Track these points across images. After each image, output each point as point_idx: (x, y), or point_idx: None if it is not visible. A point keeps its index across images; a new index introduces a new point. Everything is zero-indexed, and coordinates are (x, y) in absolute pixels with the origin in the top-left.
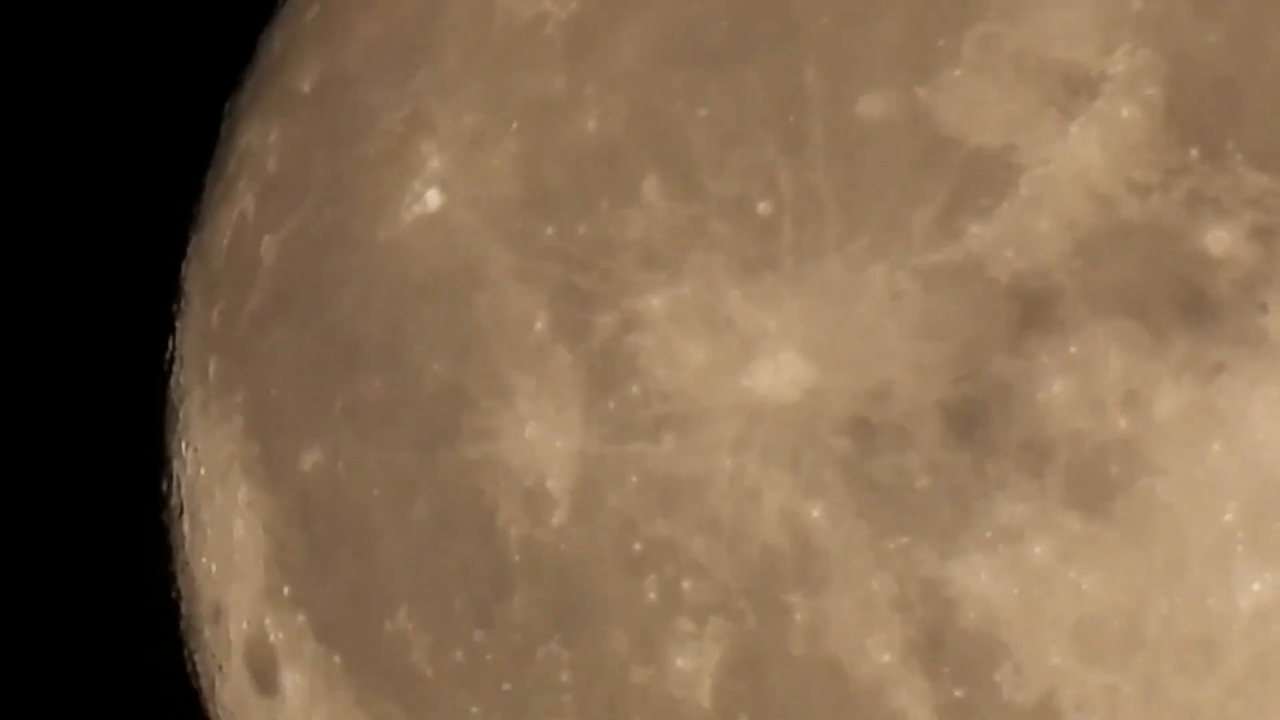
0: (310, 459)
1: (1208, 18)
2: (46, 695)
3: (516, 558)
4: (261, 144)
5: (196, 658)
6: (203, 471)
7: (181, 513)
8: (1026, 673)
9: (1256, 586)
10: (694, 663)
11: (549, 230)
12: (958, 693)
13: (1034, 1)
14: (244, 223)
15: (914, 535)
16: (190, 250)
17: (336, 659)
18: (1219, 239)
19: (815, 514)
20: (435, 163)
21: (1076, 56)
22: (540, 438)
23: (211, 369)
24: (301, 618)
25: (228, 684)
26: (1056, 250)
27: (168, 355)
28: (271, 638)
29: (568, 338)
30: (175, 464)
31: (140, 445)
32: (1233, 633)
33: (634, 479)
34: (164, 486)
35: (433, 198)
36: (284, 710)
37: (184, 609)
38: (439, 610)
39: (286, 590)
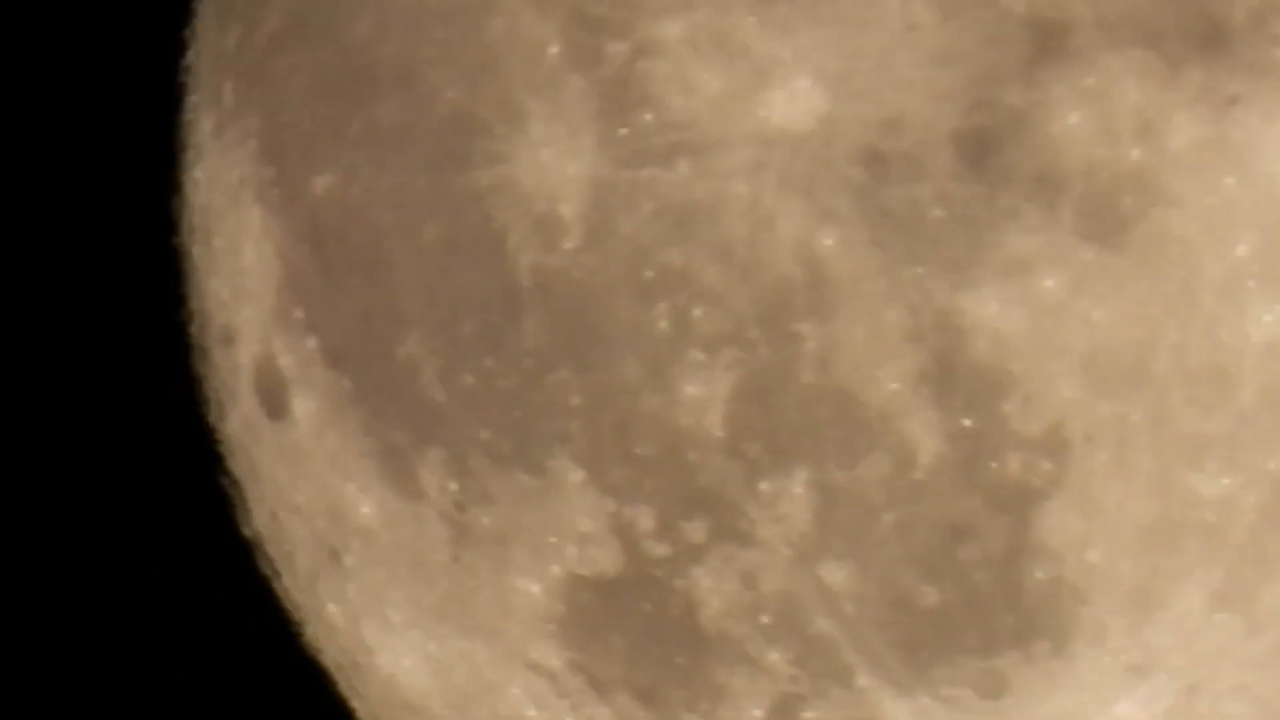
0: (323, 182)
1: None
2: (54, 430)
3: (527, 283)
4: None
5: (206, 383)
6: (216, 196)
7: (193, 236)
8: (1035, 402)
9: (1268, 318)
10: (705, 390)
11: None
12: (966, 421)
13: None
14: None
15: (926, 265)
16: None
17: (346, 383)
18: None
19: (829, 242)
20: None
21: None
22: (553, 163)
23: (226, 92)
24: (312, 342)
25: (237, 408)
26: None
27: (180, 79)
28: (281, 361)
29: (581, 64)
30: (189, 188)
31: (153, 170)
32: (1244, 364)
33: (647, 205)
34: (176, 210)
35: None
36: (293, 434)
37: (195, 336)
38: (449, 335)
39: (297, 314)
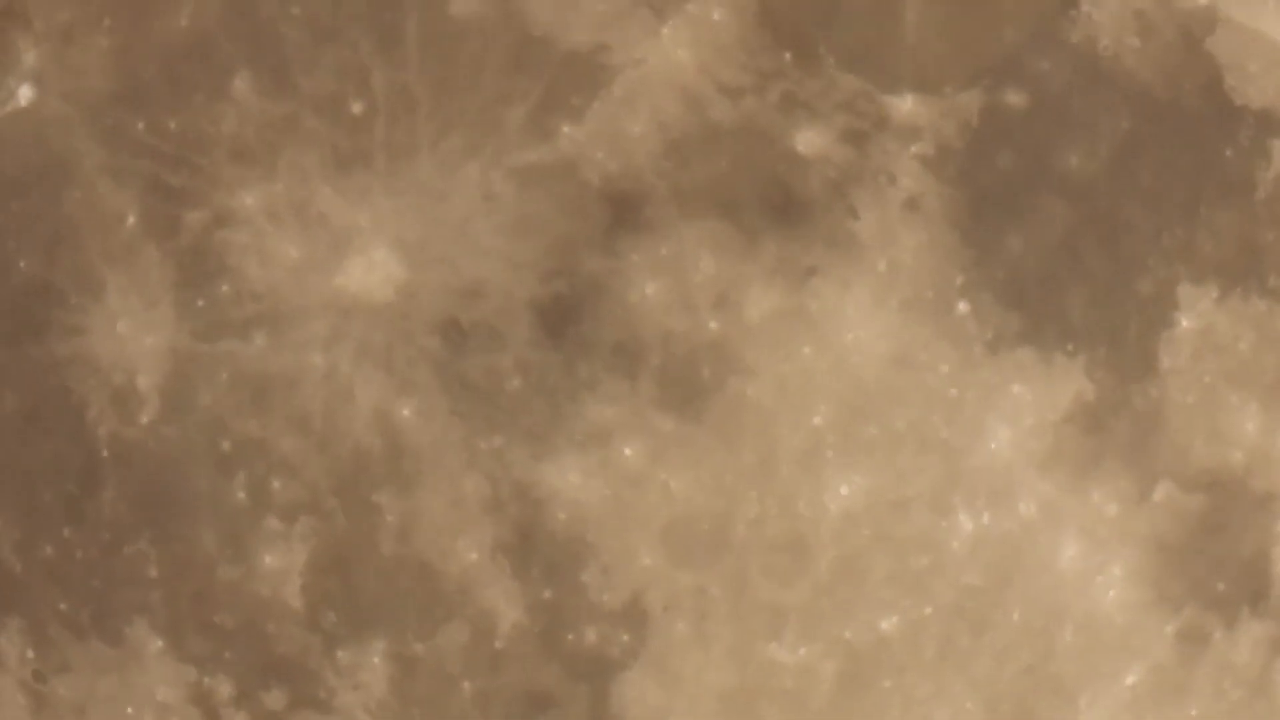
0: None
1: None
2: None
3: (106, 454)
4: None
5: None
6: None
7: None
8: (614, 573)
9: (845, 489)
10: (283, 561)
11: (140, 125)
12: (546, 593)
13: None
14: None
15: (506, 435)
16: None
17: None
18: (810, 141)
19: (406, 413)
20: (30, 58)
21: None
22: (130, 334)
23: None
24: None
25: None
26: (648, 151)
27: None
28: None
29: (158, 234)
30: None
31: None
32: (821, 535)
33: (224, 377)
34: None
35: (25, 93)
36: None
37: None
38: (27, 506)
39: None
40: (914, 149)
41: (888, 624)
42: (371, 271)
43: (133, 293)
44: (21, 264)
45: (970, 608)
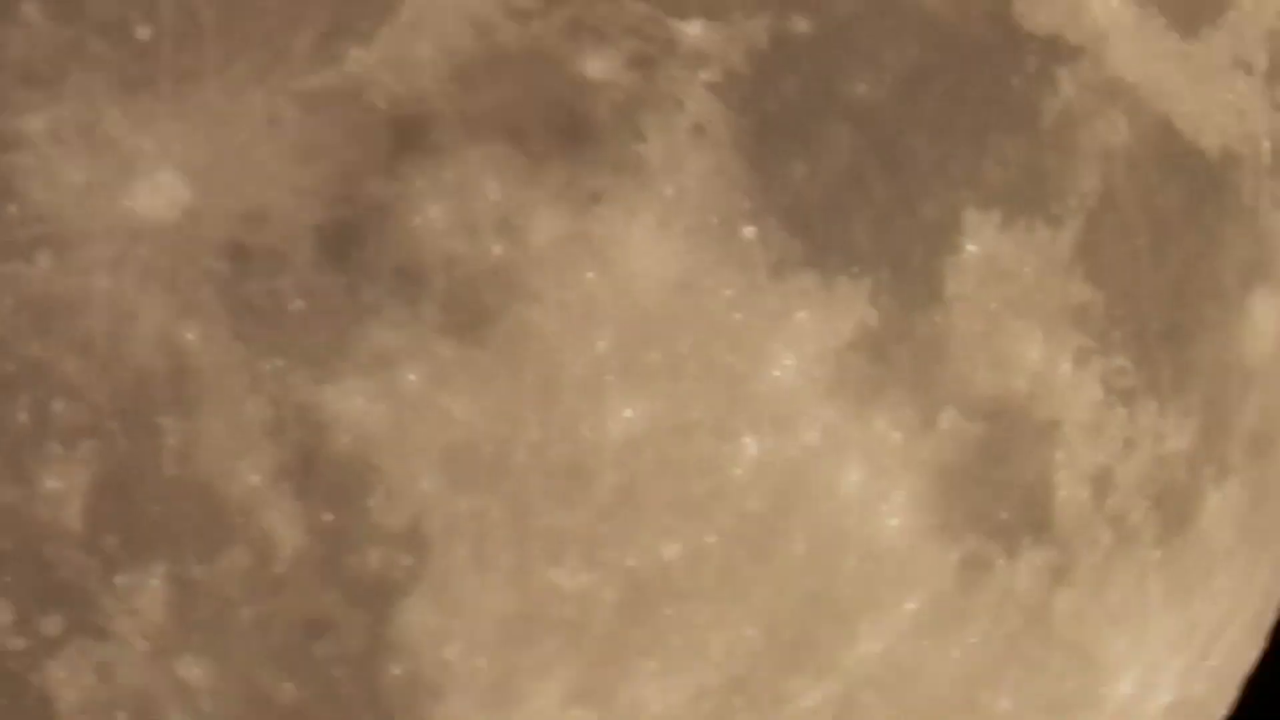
0: None
1: None
2: None
3: None
4: None
5: None
6: None
7: None
8: (396, 497)
9: (628, 414)
10: (63, 484)
11: None
12: (327, 516)
13: None
14: None
15: (289, 358)
16: None
17: None
18: (597, 66)
19: (191, 336)
20: None
21: None
22: None
23: None
24: None
25: None
26: (434, 76)
27: None
28: None
29: None
30: None
31: None
32: (603, 460)
33: (9, 299)
34: None
35: None
36: None
37: None
38: None
39: None
40: (702, 75)
41: (669, 550)
42: (157, 194)
43: None
44: None
45: (752, 534)
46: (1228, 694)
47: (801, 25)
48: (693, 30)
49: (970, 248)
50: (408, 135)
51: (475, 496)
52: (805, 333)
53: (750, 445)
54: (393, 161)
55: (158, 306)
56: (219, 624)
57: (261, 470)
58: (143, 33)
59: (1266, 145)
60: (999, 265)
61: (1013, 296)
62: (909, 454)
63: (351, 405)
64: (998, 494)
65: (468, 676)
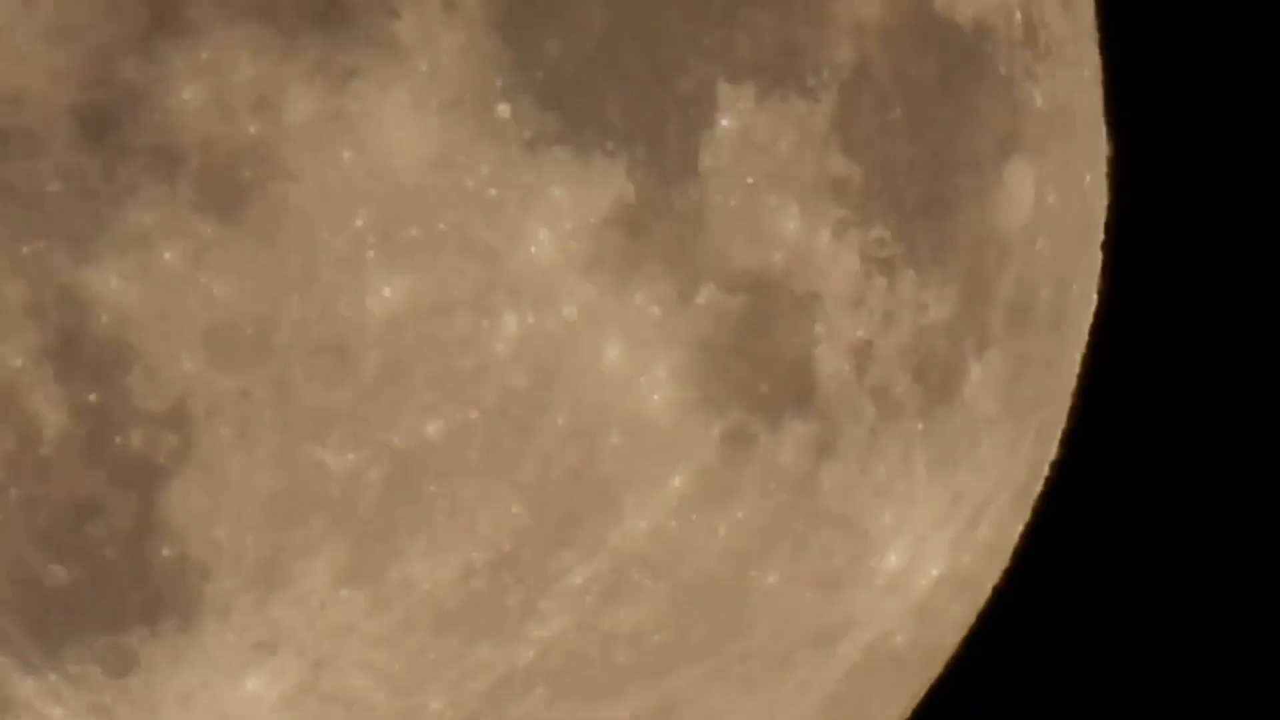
0: None
1: None
2: None
3: None
4: None
5: None
6: None
7: None
8: (158, 377)
9: (387, 291)
10: None
11: None
12: (90, 396)
13: None
14: None
15: (47, 239)
16: None
17: None
18: None
19: None
20: None
21: None
22: None
23: None
24: None
25: None
26: None
27: None
28: None
29: None
30: None
31: None
32: (364, 338)
33: None
34: None
35: None
36: None
37: None
38: None
39: None
40: None
41: (433, 428)
42: None
43: None
44: None
45: (515, 411)
46: (997, 565)
47: None
48: None
49: (724, 122)
50: (163, 15)
51: (238, 376)
52: (561, 209)
53: (510, 322)
54: (148, 42)
55: None
56: None
57: (24, 352)
58: None
59: (1018, 16)
60: (754, 139)
61: (769, 170)
62: (669, 328)
63: (110, 285)
64: (759, 367)
65: (235, 556)
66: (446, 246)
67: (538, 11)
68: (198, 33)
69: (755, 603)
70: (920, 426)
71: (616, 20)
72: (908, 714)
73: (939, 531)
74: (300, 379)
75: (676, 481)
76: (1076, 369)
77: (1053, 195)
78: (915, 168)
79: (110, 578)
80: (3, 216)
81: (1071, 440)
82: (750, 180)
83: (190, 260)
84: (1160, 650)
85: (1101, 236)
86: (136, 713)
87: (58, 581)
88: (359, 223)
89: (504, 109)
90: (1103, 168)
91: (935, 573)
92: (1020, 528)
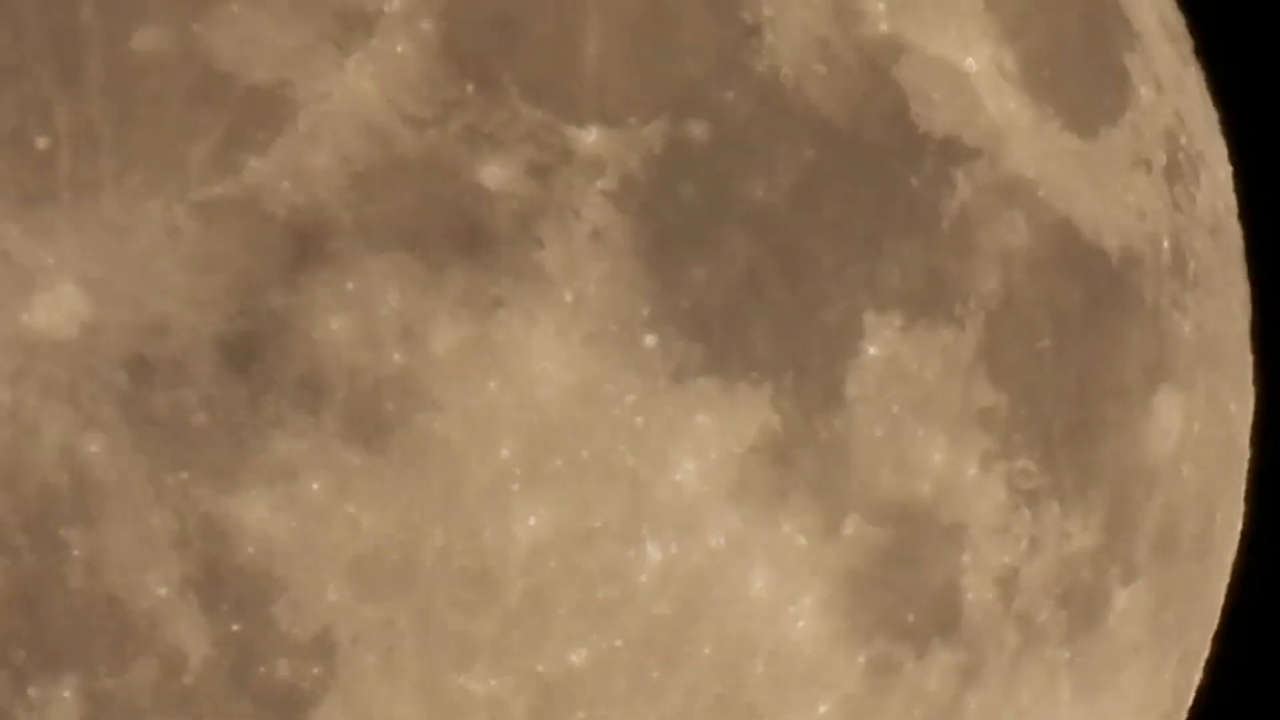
0: None
1: None
2: None
3: None
4: None
5: None
6: None
7: None
8: (303, 607)
9: (532, 521)
10: None
11: None
12: (235, 626)
13: None
14: None
15: (192, 470)
16: None
17: None
18: (495, 174)
19: (94, 449)
20: None
21: None
22: None
23: None
24: None
25: None
26: (333, 185)
27: None
28: None
29: None
30: None
31: None
32: (509, 566)
33: None
34: None
35: None
36: None
37: None
38: None
39: None
40: (599, 183)
41: (578, 656)
42: (57, 308)
43: None
44: None
45: (660, 639)
46: None
47: (697, 131)
48: (589, 138)
49: (871, 351)
50: (307, 245)
51: (382, 605)
52: (707, 437)
53: (654, 551)
54: (293, 272)
55: (59, 420)
56: None
57: (168, 582)
58: (41, 143)
59: (1166, 244)
60: (900, 368)
61: (915, 399)
62: (815, 559)
63: (256, 516)
64: (905, 596)
65: None
66: (591, 475)
67: (682, 240)
68: (343, 263)
69: None
70: (1065, 654)
71: (761, 249)
72: None
73: None
74: (444, 607)
75: (823, 709)
76: (1221, 596)
77: (1199, 424)
78: (1062, 397)
79: None
80: (148, 447)
81: (1216, 666)
82: (896, 409)
83: (336, 491)
84: None
85: (1246, 464)
86: None
87: None
88: (504, 453)
89: (650, 339)
90: (1248, 396)
91: None
92: None
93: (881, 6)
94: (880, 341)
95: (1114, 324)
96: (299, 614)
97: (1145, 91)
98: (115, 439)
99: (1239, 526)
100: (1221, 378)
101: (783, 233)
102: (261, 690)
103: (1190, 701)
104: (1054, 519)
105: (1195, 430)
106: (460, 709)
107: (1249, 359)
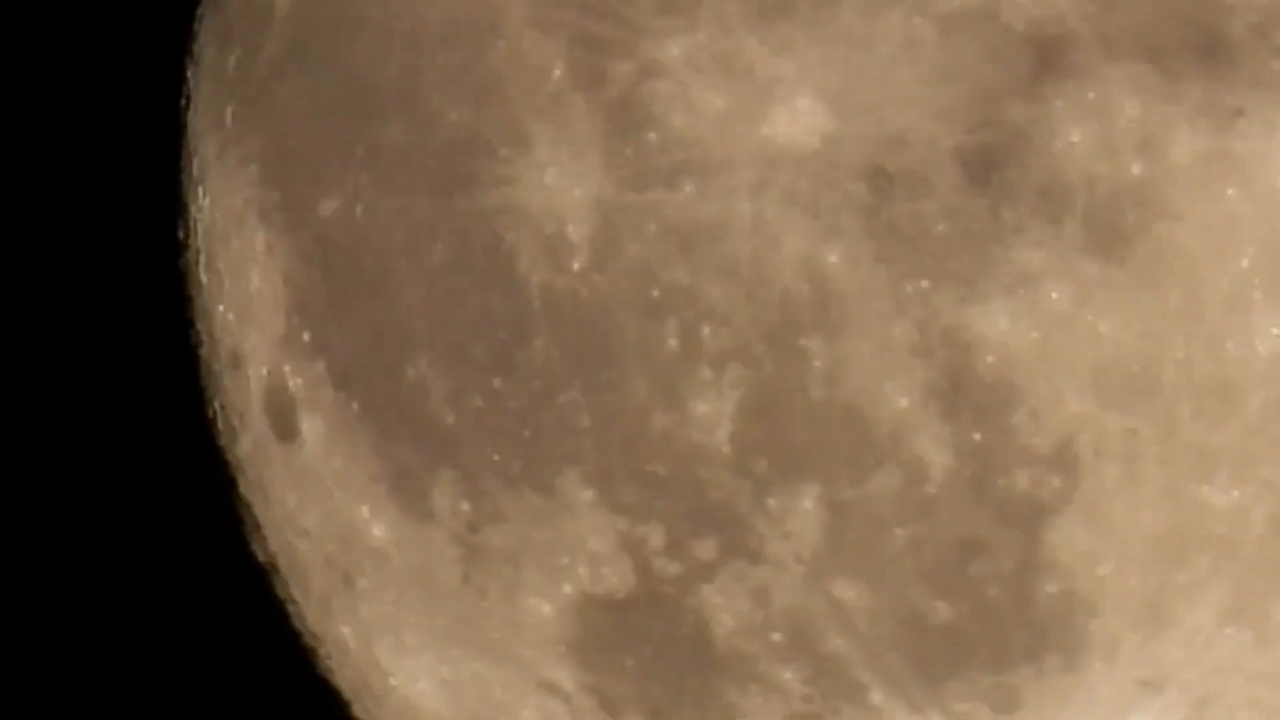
0: (329, 205)
1: None
2: (66, 455)
3: (536, 304)
4: None
5: (217, 408)
6: (220, 219)
7: (199, 260)
8: (1044, 417)
9: (1275, 330)
10: (713, 408)
11: None
12: (976, 436)
13: None
14: None
15: (932, 280)
16: None
17: (355, 406)
18: None
19: (833, 259)
20: None
21: None
22: (559, 185)
23: (228, 115)
24: (320, 364)
25: (247, 432)
26: None
27: (182, 101)
28: (290, 384)
29: (585, 85)
30: (193, 211)
31: (158, 192)
32: (1250, 376)
33: (653, 225)
34: (180, 233)
35: None
36: (302, 456)
37: (203, 358)
38: (458, 356)
39: (305, 337)
40: None
41: None
42: (796, 120)
43: (561, 143)
44: (451, 116)
45: None
46: None
47: None
48: None
49: None
50: (1047, 56)
51: (1124, 415)
52: None
53: None
54: (1032, 84)
55: (800, 231)
56: (872, 546)
57: (910, 392)
58: None
59: None
60: None
61: None
62: None
63: (996, 325)
64: None
65: (1121, 595)
66: None
67: None
68: (1083, 74)
69: None
70: None
71: None
72: None
73: None
74: (1186, 418)
75: None
76: None
77: None
78: None
79: (994, 616)
80: (888, 258)
81: None
82: None
83: (1076, 299)
84: None
85: None
86: None
87: (942, 619)
88: (1244, 263)
89: None
90: None
91: None
92: None
93: None
94: None
95: None
96: (1039, 424)
97: None
98: (856, 249)
99: None
100: None
101: None
102: (1002, 501)
103: None
104: None
105: None
106: (1201, 519)
107: None
